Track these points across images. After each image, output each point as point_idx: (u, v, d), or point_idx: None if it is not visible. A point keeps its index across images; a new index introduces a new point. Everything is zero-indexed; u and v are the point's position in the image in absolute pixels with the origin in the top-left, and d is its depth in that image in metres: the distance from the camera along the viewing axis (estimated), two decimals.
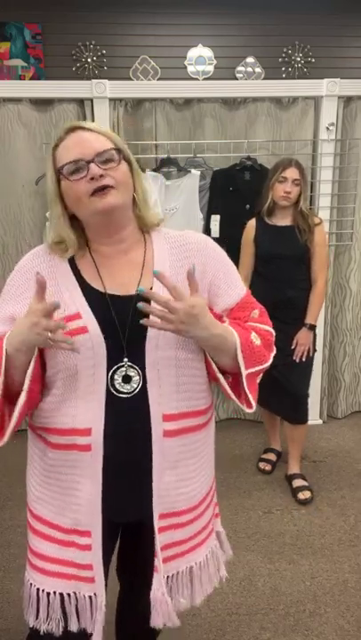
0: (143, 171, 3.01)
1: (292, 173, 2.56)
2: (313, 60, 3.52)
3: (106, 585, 1.21)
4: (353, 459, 3.12)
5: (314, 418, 3.41)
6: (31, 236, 3.26)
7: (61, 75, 3.36)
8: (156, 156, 3.24)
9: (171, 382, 1.13)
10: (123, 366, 1.10)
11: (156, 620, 1.18)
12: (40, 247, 1.21)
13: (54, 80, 3.28)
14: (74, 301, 1.11)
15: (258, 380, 1.21)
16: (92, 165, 1.07)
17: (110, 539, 1.23)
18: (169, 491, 1.16)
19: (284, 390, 2.71)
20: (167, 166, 3.16)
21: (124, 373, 1.10)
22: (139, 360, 1.11)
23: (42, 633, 1.19)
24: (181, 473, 1.17)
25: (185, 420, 1.16)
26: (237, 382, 1.17)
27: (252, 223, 2.73)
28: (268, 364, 1.19)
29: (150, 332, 1.10)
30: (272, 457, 3.03)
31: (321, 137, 3.22)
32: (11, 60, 3.39)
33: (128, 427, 1.12)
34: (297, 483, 2.76)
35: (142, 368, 1.11)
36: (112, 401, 1.10)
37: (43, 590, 1.18)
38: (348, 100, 3.26)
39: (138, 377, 1.11)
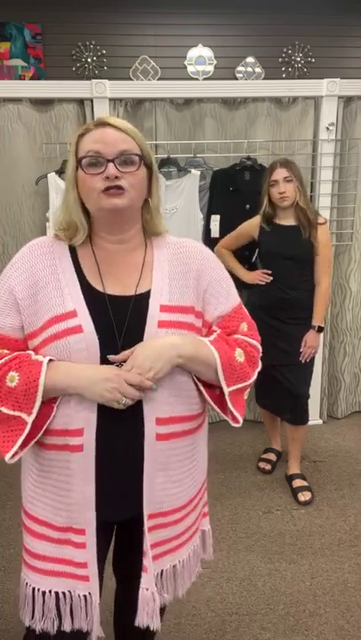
0: None
1: (279, 174, 2.57)
2: (313, 60, 3.52)
3: (101, 583, 1.22)
4: (353, 459, 3.12)
5: (314, 418, 3.41)
6: (31, 236, 3.25)
7: (61, 75, 3.36)
8: (156, 156, 3.24)
9: (165, 386, 1.12)
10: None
11: (142, 619, 1.18)
12: (43, 238, 1.21)
13: (54, 80, 3.28)
14: (72, 298, 1.11)
15: (245, 396, 1.24)
16: (111, 165, 1.08)
17: (104, 537, 1.24)
18: (157, 492, 1.16)
19: (284, 391, 2.71)
20: (167, 166, 3.16)
21: None
22: None
23: (37, 632, 1.19)
24: (170, 475, 1.18)
25: (178, 424, 1.16)
26: (222, 395, 1.18)
27: (257, 220, 2.72)
28: (251, 381, 1.22)
29: (147, 334, 1.10)
30: (272, 457, 3.03)
31: (321, 137, 3.22)
32: (11, 60, 3.38)
33: (121, 428, 1.11)
34: (297, 483, 2.76)
35: None
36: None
37: (38, 590, 1.18)
38: (348, 100, 3.27)
39: None
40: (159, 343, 1.09)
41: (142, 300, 1.13)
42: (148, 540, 1.17)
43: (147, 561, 1.18)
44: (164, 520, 1.20)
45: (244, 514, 2.59)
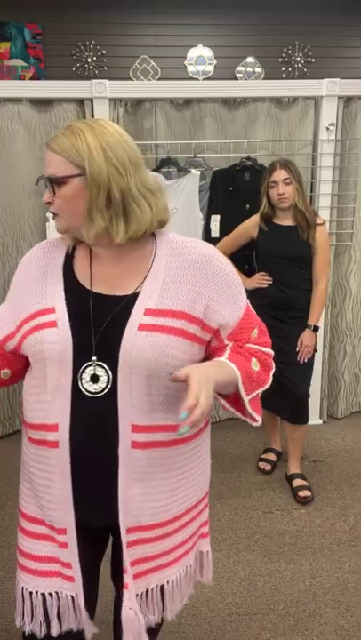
0: None
1: (279, 175, 2.57)
2: (313, 60, 3.52)
3: (93, 586, 1.22)
4: (353, 459, 3.12)
5: (314, 418, 3.41)
6: (31, 236, 3.26)
7: (61, 75, 3.36)
8: (156, 156, 3.24)
9: (143, 392, 1.07)
10: (91, 365, 1.08)
11: (128, 639, 1.15)
12: (49, 239, 1.24)
13: (54, 80, 3.28)
14: (53, 296, 1.12)
15: (259, 395, 1.22)
16: (46, 191, 1.10)
17: (91, 540, 1.20)
18: (135, 503, 1.11)
19: (284, 391, 2.71)
20: (167, 166, 3.16)
21: (92, 372, 1.08)
22: (110, 361, 1.07)
23: (26, 633, 1.19)
24: (150, 486, 1.12)
25: (159, 432, 1.10)
26: (238, 399, 1.16)
27: (256, 219, 2.73)
28: (267, 385, 1.21)
29: (126, 336, 1.06)
30: (272, 457, 3.03)
31: (321, 137, 3.22)
32: (11, 60, 3.38)
33: (95, 429, 1.09)
34: (297, 482, 2.76)
35: (114, 371, 1.08)
36: (80, 399, 1.09)
37: (26, 589, 1.18)
38: (348, 100, 3.27)
39: (106, 377, 1.08)
40: (204, 369, 1.03)
41: (130, 302, 1.10)
42: (128, 556, 1.13)
43: (127, 578, 1.13)
44: (146, 535, 1.14)
45: (244, 514, 2.59)
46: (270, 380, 1.22)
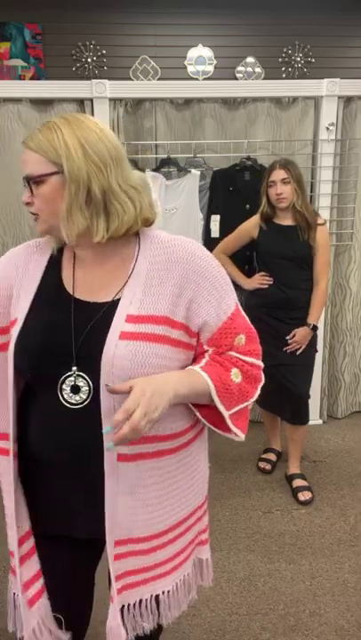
0: (143, 170, 3.01)
1: (277, 175, 2.58)
2: (313, 60, 3.52)
3: (84, 601, 1.23)
4: (353, 459, 3.12)
5: (314, 418, 3.41)
6: (31, 236, 3.26)
7: (61, 75, 3.36)
8: (156, 156, 3.24)
9: None
10: (72, 375, 1.04)
11: None
12: (37, 239, 1.18)
13: (54, 80, 3.28)
14: (23, 306, 1.10)
15: (249, 408, 1.16)
16: (24, 192, 1.05)
17: (80, 550, 1.17)
18: (124, 516, 1.06)
19: (284, 391, 2.71)
20: (167, 166, 3.16)
21: (72, 383, 1.04)
22: (92, 371, 1.02)
23: (18, 638, 1.18)
24: (140, 499, 1.07)
25: (147, 444, 1.05)
26: (218, 411, 1.10)
27: (256, 220, 2.73)
28: (253, 399, 1.13)
29: (108, 345, 1.00)
30: (272, 457, 3.03)
31: (321, 137, 3.22)
32: (11, 60, 3.38)
33: (76, 441, 1.05)
34: (297, 483, 2.76)
35: (96, 381, 1.02)
36: (58, 411, 1.05)
37: (17, 595, 1.17)
38: (348, 100, 3.27)
39: (87, 388, 1.03)
40: (158, 381, 0.98)
41: (111, 308, 1.04)
42: (115, 569, 1.09)
43: (112, 591, 1.10)
44: (138, 547, 1.10)
45: (244, 514, 2.59)
46: (257, 393, 1.14)
